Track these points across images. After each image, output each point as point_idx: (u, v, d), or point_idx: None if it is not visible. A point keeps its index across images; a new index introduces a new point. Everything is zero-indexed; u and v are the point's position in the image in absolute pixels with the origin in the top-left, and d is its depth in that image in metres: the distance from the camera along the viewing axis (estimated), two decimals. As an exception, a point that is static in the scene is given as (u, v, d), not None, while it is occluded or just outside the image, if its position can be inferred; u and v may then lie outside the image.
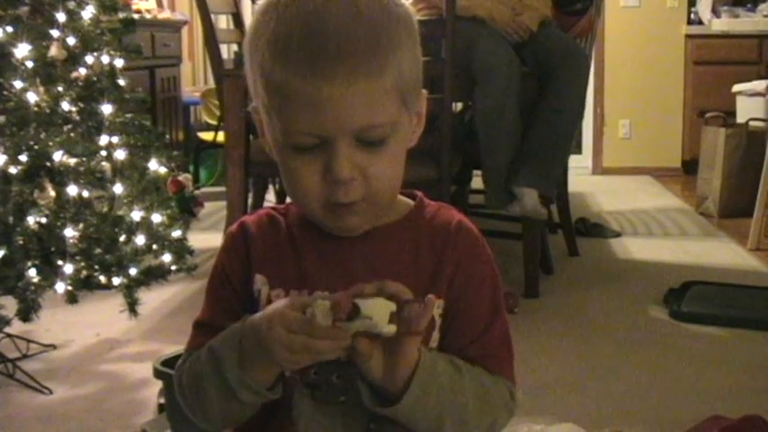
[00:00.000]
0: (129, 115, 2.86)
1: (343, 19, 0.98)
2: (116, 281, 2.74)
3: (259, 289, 1.10)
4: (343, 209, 1.04)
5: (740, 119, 5.45)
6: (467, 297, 1.10)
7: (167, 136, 3.08)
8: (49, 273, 2.60)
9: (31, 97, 2.61)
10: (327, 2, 0.99)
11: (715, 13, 6.54)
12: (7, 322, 2.54)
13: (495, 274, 1.15)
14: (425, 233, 1.12)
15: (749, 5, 6.50)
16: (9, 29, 2.58)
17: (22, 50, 2.60)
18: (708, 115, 5.41)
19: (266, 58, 1.00)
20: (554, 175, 3.56)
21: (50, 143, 2.60)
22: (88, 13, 2.80)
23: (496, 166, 3.45)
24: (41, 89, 2.67)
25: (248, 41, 1.04)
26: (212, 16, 3.54)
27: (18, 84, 2.59)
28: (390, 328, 0.97)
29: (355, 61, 0.97)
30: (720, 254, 4.23)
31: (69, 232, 2.60)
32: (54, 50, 2.72)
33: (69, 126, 2.71)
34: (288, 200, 1.22)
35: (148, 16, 5.46)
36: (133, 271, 2.76)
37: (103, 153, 2.77)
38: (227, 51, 4.50)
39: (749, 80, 5.79)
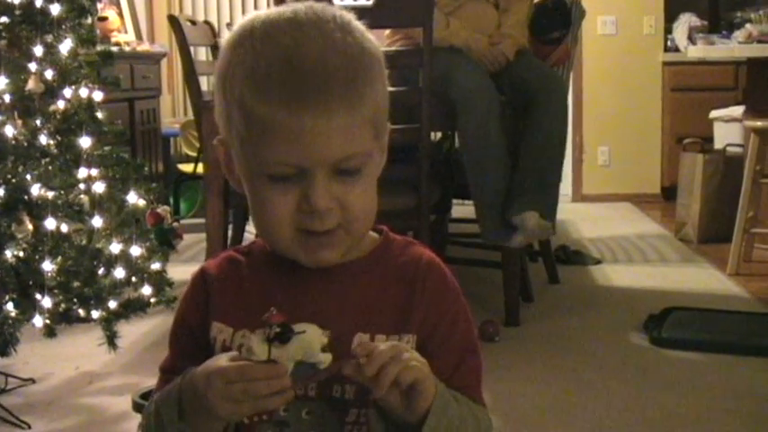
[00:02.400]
0: (107, 148, 2.86)
1: (321, 52, 1.00)
2: (95, 314, 2.72)
3: (215, 337, 1.10)
4: (318, 240, 1.04)
5: (718, 145, 5.49)
6: (441, 334, 1.10)
7: (146, 168, 3.07)
8: (27, 306, 2.58)
9: (9, 130, 2.61)
10: (303, 36, 1.01)
11: (691, 40, 6.60)
12: (-15, 357, 2.52)
13: (465, 308, 1.15)
14: (394, 270, 1.12)
15: (724, 32, 6.56)
16: (-14, 62, 2.59)
17: (-1, 84, 2.60)
18: (686, 141, 5.45)
19: (245, 92, 1.01)
20: (551, 199, 3.51)
21: (28, 176, 2.59)
22: (66, 46, 2.80)
23: (488, 195, 3.41)
24: (19, 122, 2.67)
25: (220, 75, 1.05)
26: (191, 48, 3.54)
27: (-5, 117, 2.59)
28: (326, 357, 0.98)
29: (337, 93, 0.99)
30: (700, 279, 4.25)
31: (47, 266, 2.60)
32: (32, 84, 2.72)
33: (47, 159, 2.70)
34: (254, 238, 1.21)
35: (127, 49, 5.47)
36: (112, 304, 2.75)
37: (82, 186, 2.77)
38: (206, 83, 4.51)
39: (726, 106, 5.84)
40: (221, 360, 1.01)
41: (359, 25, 1.07)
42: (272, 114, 0.99)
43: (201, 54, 5.36)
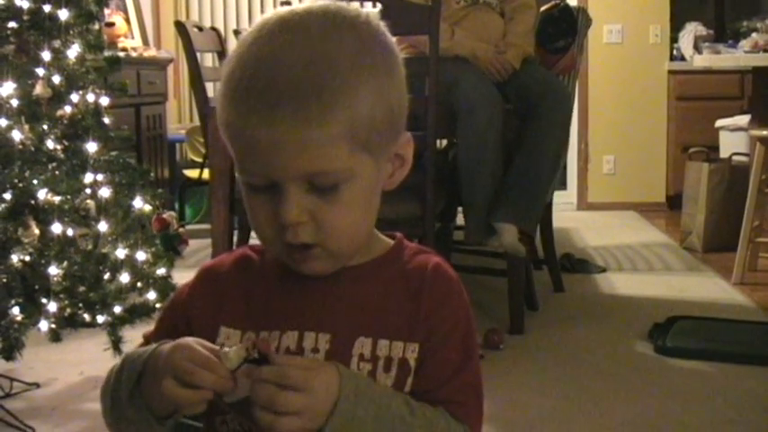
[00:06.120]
0: (113, 153, 2.87)
1: (295, 62, 0.96)
2: (100, 319, 2.73)
3: (222, 344, 1.06)
4: (299, 252, 1.02)
5: (723, 154, 5.49)
6: (437, 340, 1.06)
7: (152, 174, 3.08)
8: (33, 311, 2.59)
9: (16, 135, 2.62)
10: (284, 44, 0.98)
11: (697, 49, 6.60)
12: (-10, 361, 2.53)
13: (468, 319, 1.10)
14: (400, 276, 1.09)
15: (730, 42, 6.56)
16: (-6, 67, 2.60)
17: (6, 89, 2.61)
18: (691, 150, 5.44)
19: (221, 95, 1.00)
20: (534, 213, 3.55)
21: (35, 181, 2.60)
22: (73, 51, 2.81)
23: (476, 200, 3.47)
24: (26, 127, 2.68)
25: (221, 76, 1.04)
26: (198, 54, 3.55)
27: (3, 122, 2.60)
28: None
29: (296, 107, 0.95)
30: (705, 288, 4.24)
31: (53, 270, 2.60)
32: (39, 89, 2.73)
33: (54, 164, 2.71)
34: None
35: (134, 54, 5.48)
36: (117, 309, 2.76)
37: (88, 191, 2.78)
38: (212, 89, 4.51)
39: (731, 115, 5.84)
40: (191, 340, 1.01)
41: (373, 30, 1.04)
42: (234, 123, 0.98)
43: (208, 60, 5.37)
